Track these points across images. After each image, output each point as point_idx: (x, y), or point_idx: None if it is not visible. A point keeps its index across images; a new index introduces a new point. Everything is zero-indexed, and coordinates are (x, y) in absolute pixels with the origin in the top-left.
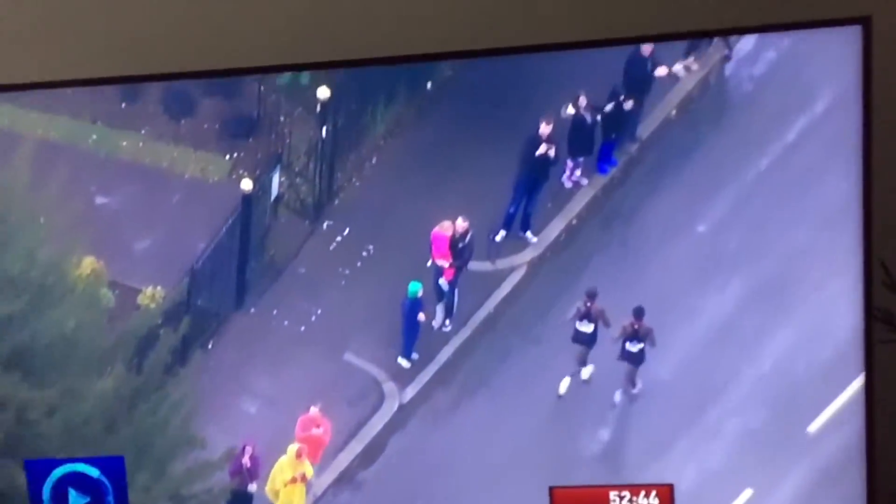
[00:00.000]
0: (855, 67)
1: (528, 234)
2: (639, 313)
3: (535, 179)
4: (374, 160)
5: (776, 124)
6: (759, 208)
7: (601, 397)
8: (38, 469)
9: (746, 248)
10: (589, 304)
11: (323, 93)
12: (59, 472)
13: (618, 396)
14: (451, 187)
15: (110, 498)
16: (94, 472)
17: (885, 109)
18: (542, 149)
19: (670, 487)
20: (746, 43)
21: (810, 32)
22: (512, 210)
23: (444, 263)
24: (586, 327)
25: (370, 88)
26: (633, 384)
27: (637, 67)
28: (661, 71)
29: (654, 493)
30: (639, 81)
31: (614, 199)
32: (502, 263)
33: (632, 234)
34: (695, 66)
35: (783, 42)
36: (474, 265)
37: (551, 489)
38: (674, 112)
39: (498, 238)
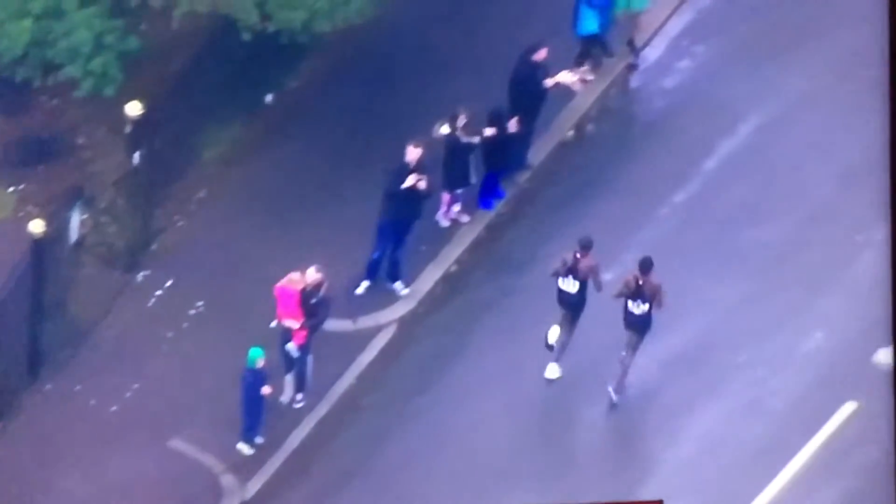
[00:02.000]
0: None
1: (398, 285)
2: (645, 266)
3: (403, 218)
4: (202, 193)
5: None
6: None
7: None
8: None
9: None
10: (579, 257)
11: (134, 109)
12: None
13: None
14: (300, 228)
15: None
16: None
17: None
18: (409, 180)
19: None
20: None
21: None
22: (376, 256)
23: (294, 324)
24: (570, 286)
25: (196, 102)
26: (618, 389)
27: (525, 78)
28: (551, 81)
29: None
30: (528, 96)
31: (503, 241)
32: (366, 322)
33: (525, 284)
34: (590, 77)
35: None
36: (332, 325)
37: None
38: (571, 133)
39: (360, 291)
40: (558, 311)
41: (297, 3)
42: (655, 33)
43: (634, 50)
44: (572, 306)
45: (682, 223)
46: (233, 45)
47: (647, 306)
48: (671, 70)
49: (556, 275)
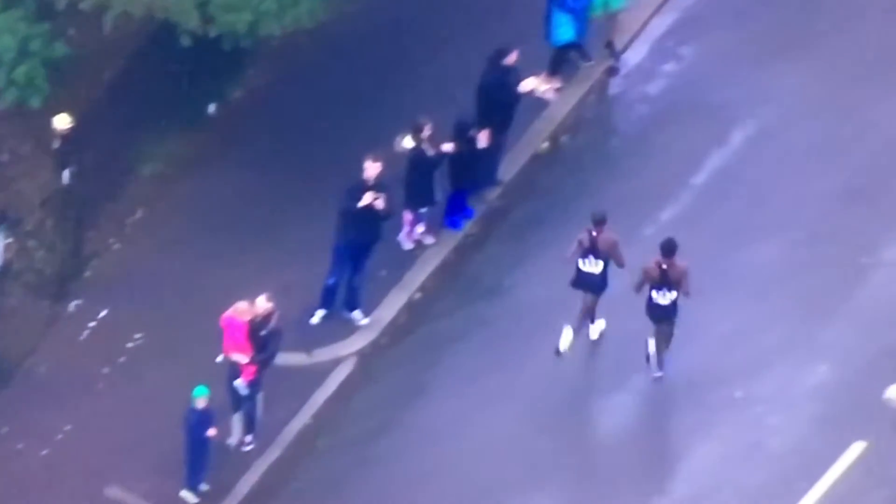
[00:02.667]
0: None
1: (356, 314)
2: (668, 249)
3: (361, 240)
4: (139, 213)
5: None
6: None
7: None
8: None
9: None
10: (595, 234)
11: (62, 122)
12: None
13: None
14: (247, 252)
15: None
16: None
17: None
18: (365, 198)
19: None
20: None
21: None
22: (332, 282)
23: (242, 358)
24: (592, 266)
25: (131, 114)
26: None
27: (495, 84)
28: (525, 87)
29: None
30: (498, 104)
31: (472, 265)
32: (322, 355)
33: (497, 313)
34: (559, 84)
35: None
36: (284, 359)
37: None
38: (545, 145)
39: (315, 320)
40: (551, 321)
41: (241, 4)
42: (637, 34)
43: (614, 52)
44: (595, 287)
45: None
46: (171, 51)
47: (674, 294)
48: (655, 74)
49: (574, 257)
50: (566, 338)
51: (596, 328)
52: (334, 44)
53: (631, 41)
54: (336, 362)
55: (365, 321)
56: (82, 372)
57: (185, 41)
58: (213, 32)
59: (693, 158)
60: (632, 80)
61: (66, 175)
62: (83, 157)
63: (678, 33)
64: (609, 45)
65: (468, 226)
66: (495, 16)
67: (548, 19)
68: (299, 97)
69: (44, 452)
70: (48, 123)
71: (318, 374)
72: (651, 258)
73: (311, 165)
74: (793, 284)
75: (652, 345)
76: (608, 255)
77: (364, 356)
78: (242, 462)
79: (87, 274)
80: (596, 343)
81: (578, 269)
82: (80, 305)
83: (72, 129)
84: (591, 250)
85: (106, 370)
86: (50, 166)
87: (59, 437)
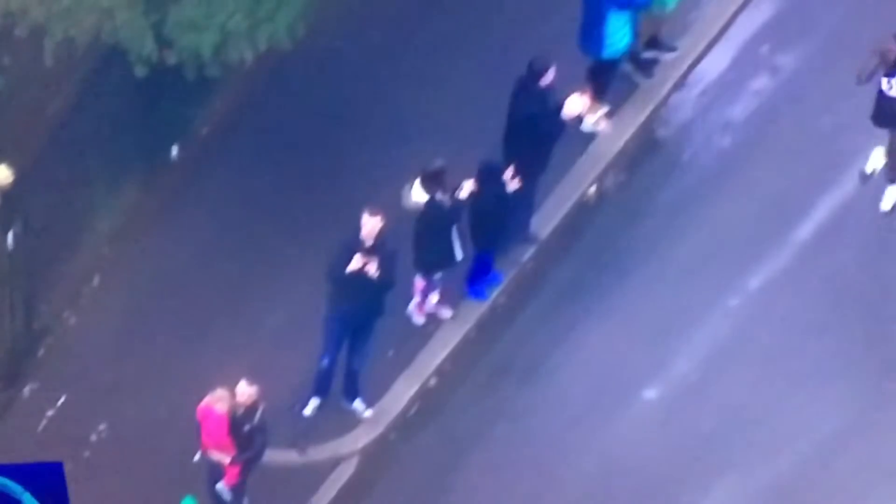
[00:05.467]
0: None
1: (357, 404)
2: None
3: (356, 312)
4: (96, 280)
5: None
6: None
7: None
8: None
9: None
10: None
11: (2, 176)
12: None
13: None
14: (224, 326)
15: None
16: (17, 489)
17: None
18: (354, 261)
19: None
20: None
21: None
22: (326, 363)
23: (223, 457)
24: None
25: (81, 160)
26: None
27: (531, 112)
28: (570, 109)
29: None
30: (534, 137)
31: (500, 344)
32: (318, 453)
33: (530, 403)
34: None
35: None
36: (273, 456)
37: None
38: (592, 190)
39: (308, 411)
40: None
41: (204, 22)
42: (717, 38)
43: (660, 46)
44: None
45: (759, 319)
46: (125, 83)
47: None
48: (741, 92)
49: (871, 77)
50: (875, 160)
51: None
52: (317, 60)
53: (708, 47)
54: (335, 462)
55: (368, 413)
56: None
57: (140, 71)
58: (171, 59)
59: (794, 205)
60: (710, 101)
61: (9, 239)
62: (27, 215)
63: (774, 35)
64: (653, 41)
65: (495, 294)
66: (513, 19)
67: (593, 24)
68: (276, 129)
69: None
70: None
71: (314, 476)
72: (730, 341)
73: (295, 214)
74: None
75: (879, 157)
76: None
77: (368, 455)
78: None
79: (41, 353)
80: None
81: (881, 96)
82: (36, 390)
83: (13, 183)
84: None
85: (68, 466)
86: None
87: None
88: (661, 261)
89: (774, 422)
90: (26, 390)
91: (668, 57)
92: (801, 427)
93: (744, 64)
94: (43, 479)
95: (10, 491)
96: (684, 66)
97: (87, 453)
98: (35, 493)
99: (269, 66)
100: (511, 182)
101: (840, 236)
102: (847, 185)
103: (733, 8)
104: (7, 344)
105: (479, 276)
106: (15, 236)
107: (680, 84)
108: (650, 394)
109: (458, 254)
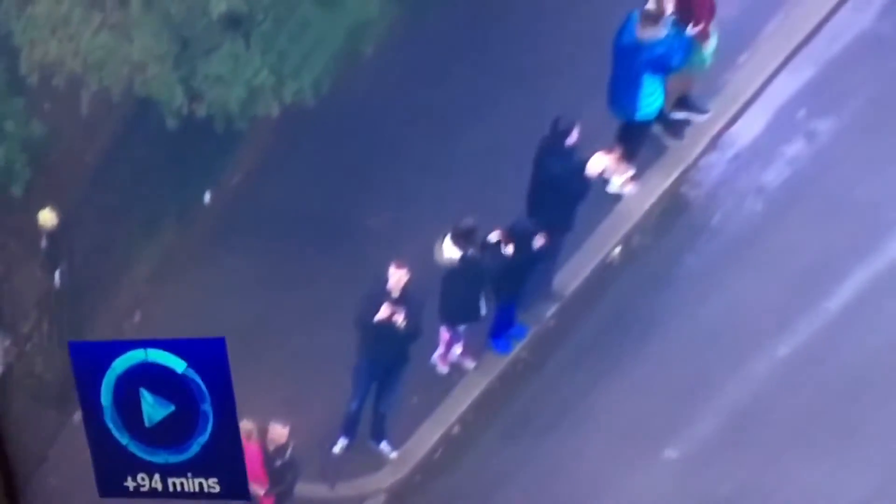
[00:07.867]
0: None
1: (384, 446)
2: None
3: (384, 360)
4: (137, 316)
5: None
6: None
7: None
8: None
9: None
10: None
11: (48, 219)
12: (122, 363)
13: None
14: (256, 365)
15: (206, 406)
16: (178, 364)
17: None
18: (382, 311)
19: None
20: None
21: None
22: (354, 406)
23: (258, 490)
24: None
25: (117, 205)
26: None
27: (556, 171)
28: (593, 168)
29: None
30: (559, 197)
31: (523, 396)
32: (347, 489)
33: (552, 455)
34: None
35: None
36: (304, 490)
37: None
38: (617, 250)
39: (337, 449)
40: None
41: (231, 77)
42: (752, 100)
43: (691, 107)
44: None
45: (786, 387)
46: (160, 132)
47: None
48: (775, 157)
49: None
50: None
51: None
52: (344, 112)
53: (742, 109)
54: (361, 498)
55: (394, 455)
56: (93, 488)
57: (171, 123)
58: (200, 112)
59: (828, 274)
60: (742, 165)
61: (56, 277)
62: (73, 255)
63: (812, 99)
64: (683, 101)
65: (518, 348)
66: (539, 75)
67: (626, 86)
68: (304, 178)
69: None
70: (32, 213)
71: None
72: (757, 408)
73: (324, 259)
74: None
75: None
76: None
77: (394, 494)
78: None
79: None
80: None
81: None
82: None
83: (57, 225)
84: None
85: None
86: (39, 263)
87: None
88: (686, 323)
89: (793, 490)
90: (75, 417)
91: (699, 119)
92: (822, 497)
93: (779, 128)
94: (205, 355)
95: (173, 365)
96: (716, 129)
97: None
98: (197, 369)
99: (297, 118)
100: (538, 239)
101: (874, 308)
102: (883, 257)
103: (769, 70)
104: (59, 375)
105: (502, 329)
106: (61, 275)
107: (711, 147)
108: (671, 453)
109: (483, 309)
